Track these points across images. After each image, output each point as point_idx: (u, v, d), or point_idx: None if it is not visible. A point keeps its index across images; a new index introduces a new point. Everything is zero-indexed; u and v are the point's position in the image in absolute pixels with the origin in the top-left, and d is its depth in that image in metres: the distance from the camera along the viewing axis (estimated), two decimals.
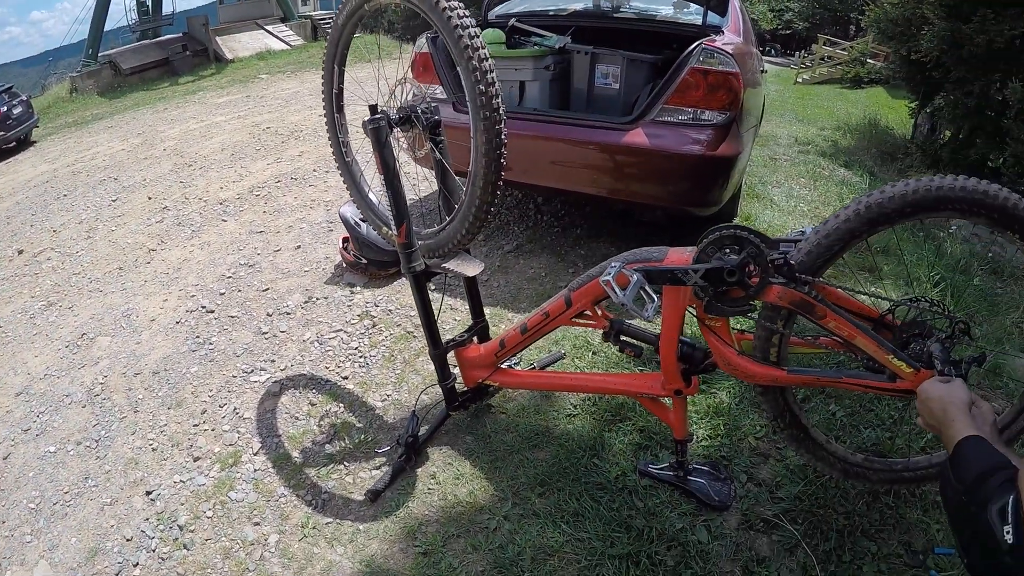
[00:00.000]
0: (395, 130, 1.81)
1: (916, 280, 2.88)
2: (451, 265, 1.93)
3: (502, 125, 1.57)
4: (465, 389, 2.13)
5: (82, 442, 2.32)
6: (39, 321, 3.16)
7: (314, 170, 5.00)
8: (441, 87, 3.12)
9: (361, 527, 1.89)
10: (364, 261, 3.12)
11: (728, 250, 1.35)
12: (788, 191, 4.48)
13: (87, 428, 2.39)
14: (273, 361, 2.59)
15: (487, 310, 2.81)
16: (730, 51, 2.74)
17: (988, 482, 0.92)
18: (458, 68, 1.56)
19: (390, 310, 2.92)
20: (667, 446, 2.03)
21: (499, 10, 3.96)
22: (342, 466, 2.09)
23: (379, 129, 1.69)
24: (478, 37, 1.53)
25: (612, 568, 1.69)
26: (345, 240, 3.22)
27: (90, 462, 2.23)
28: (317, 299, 3.02)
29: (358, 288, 3.11)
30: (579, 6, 3.98)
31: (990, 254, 3.35)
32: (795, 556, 1.76)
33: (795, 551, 1.77)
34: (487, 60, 1.53)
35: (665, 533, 1.78)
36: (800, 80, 19.66)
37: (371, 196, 2.23)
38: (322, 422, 2.27)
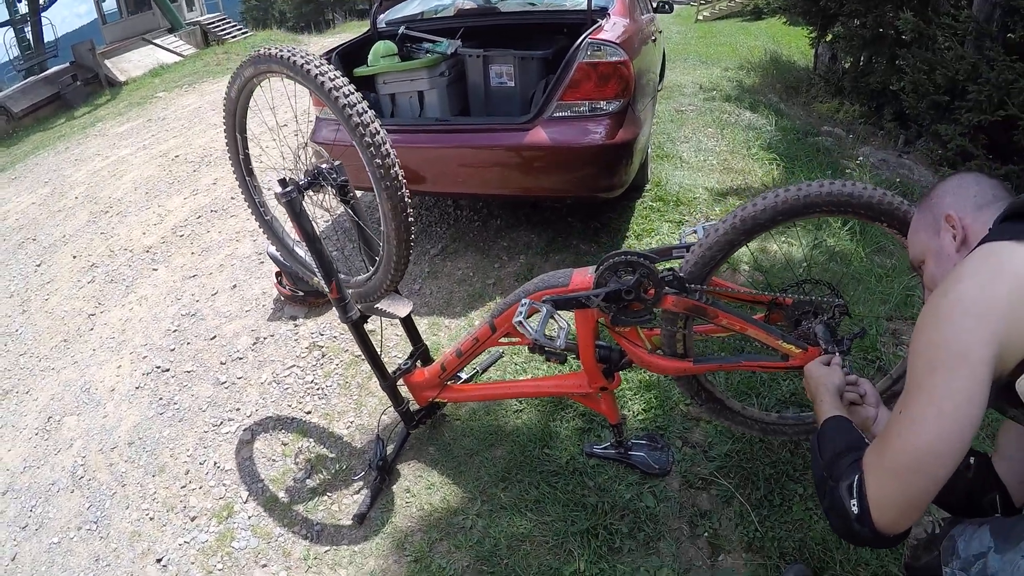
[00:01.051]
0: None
1: (807, 264, 3.14)
2: (383, 307, 2.09)
3: (404, 190, 1.72)
4: (419, 408, 2.31)
5: (82, 526, 2.40)
6: (1, 412, 3.17)
7: (232, 198, 4.96)
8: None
9: (356, 548, 2.07)
10: (301, 293, 3.21)
11: (623, 272, 1.54)
12: (696, 145, 4.68)
13: (82, 512, 2.46)
14: (238, 409, 2.71)
15: (424, 319, 3.02)
16: (616, 40, 2.89)
17: (841, 460, 1.11)
18: (353, 143, 1.68)
19: (335, 336, 3.04)
20: (606, 425, 2.26)
21: (388, 16, 4.00)
22: (326, 497, 2.26)
23: (292, 201, 1.81)
24: (367, 112, 1.65)
25: (576, 543, 1.93)
26: (278, 275, 3.30)
27: (95, 544, 2.32)
28: (265, 338, 3.12)
29: (300, 320, 3.21)
30: (466, 2, 4.04)
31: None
32: (732, 506, 2.03)
33: (731, 502, 2.04)
34: (379, 133, 1.66)
35: (617, 504, 2.02)
36: (701, 17, 19.88)
37: (297, 250, 2.35)
38: (298, 459, 2.42)
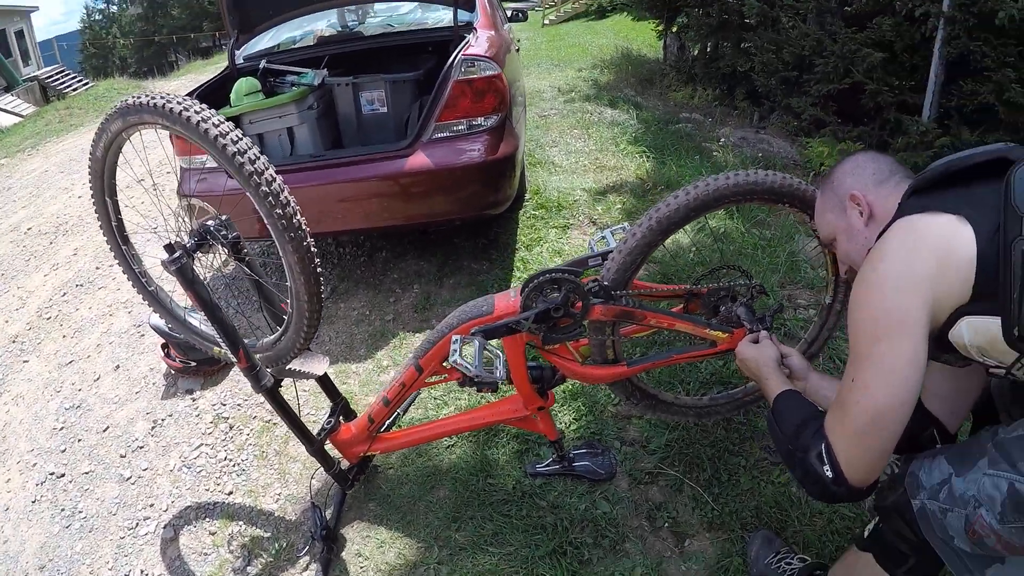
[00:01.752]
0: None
1: (696, 248, 3.29)
2: (297, 367, 1.97)
3: (309, 239, 1.61)
4: (351, 465, 2.19)
5: None
6: None
7: (97, 268, 4.55)
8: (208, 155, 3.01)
9: None
10: (193, 363, 2.98)
11: (548, 291, 1.53)
12: (566, 148, 4.80)
13: None
14: (152, 505, 2.45)
15: (329, 369, 2.83)
16: (488, 54, 2.90)
17: (804, 432, 1.23)
18: (248, 194, 1.55)
19: (239, 404, 2.84)
20: (543, 442, 2.24)
21: (246, 51, 3.80)
22: None
23: (183, 268, 1.64)
24: (260, 159, 1.52)
25: (546, 566, 1.89)
26: (164, 346, 3.04)
27: None
28: (163, 420, 2.86)
29: (198, 392, 2.97)
30: (326, 29, 3.92)
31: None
32: (684, 492, 2.08)
33: (682, 488, 2.09)
34: (275, 180, 1.54)
35: (575, 518, 2.01)
36: (548, 21, 20.36)
37: (191, 319, 2.16)
38: (232, 547, 2.22)
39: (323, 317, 3.18)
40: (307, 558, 2.10)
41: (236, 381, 2.97)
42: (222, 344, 1.77)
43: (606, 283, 1.55)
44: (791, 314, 2.77)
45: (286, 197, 1.56)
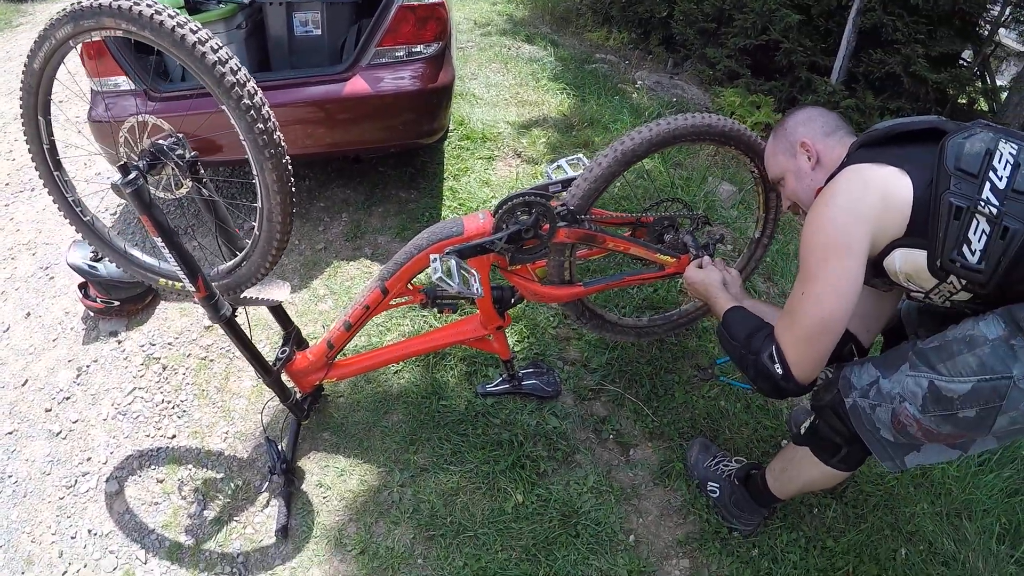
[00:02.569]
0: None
1: (621, 183, 3.40)
2: (256, 294, 1.93)
3: (287, 157, 1.55)
4: (305, 395, 2.18)
5: None
6: None
7: None
8: (125, 77, 2.78)
9: (294, 564, 1.91)
10: (116, 303, 2.80)
11: (520, 213, 1.60)
12: (486, 80, 4.75)
13: None
14: (89, 459, 2.30)
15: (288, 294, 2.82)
16: None
17: (754, 338, 1.44)
18: (224, 108, 1.45)
19: (170, 343, 2.70)
20: (490, 364, 2.36)
21: None
22: (235, 523, 2.04)
23: (139, 190, 1.53)
24: (241, 70, 1.43)
25: (507, 479, 2.03)
26: (83, 286, 2.83)
27: None
28: (88, 367, 2.67)
29: (123, 333, 2.79)
30: None
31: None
32: (625, 406, 2.25)
33: (624, 403, 2.26)
34: (257, 93, 1.45)
35: (528, 433, 2.14)
36: None
37: (132, 250, 2.04)
38: (183, 492, 2.15)
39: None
40: (266, 494, 2.09)
41: (163, 319, 2.83)
42: (179, 274, 1.69)
43: (572, 207, 1.64)
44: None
45: (267, 111, 1.48)
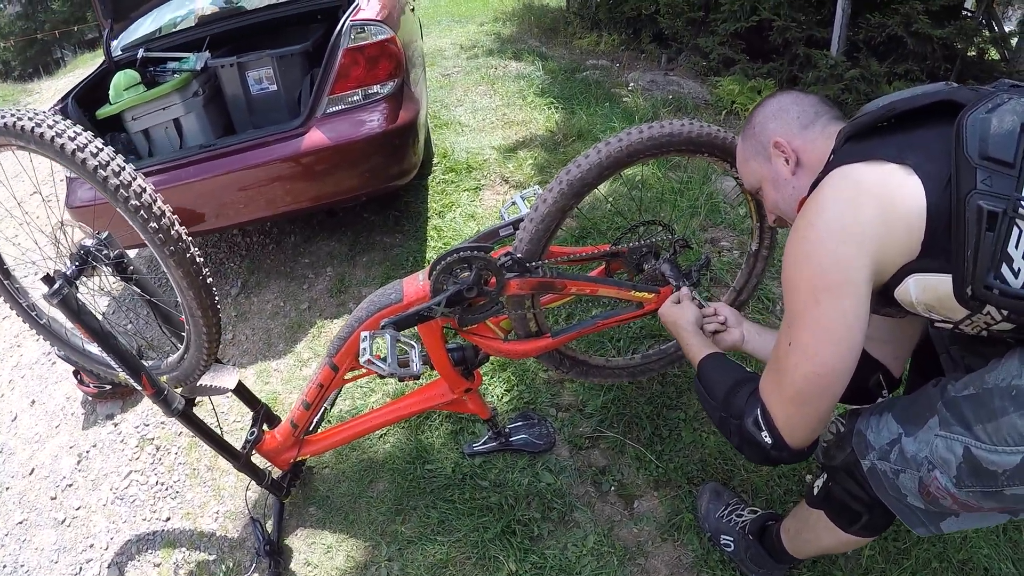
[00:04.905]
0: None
1: (612, 198, 3.22)
2: (207, 383, 1.83)
3: (193, 249, 1.46)
4: (283, 473, 2.08)
5: None
6: None
7: None
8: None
9: None
10: (108, 386, 2.77)
11: (458, 270, 1.44)
12: (472, 106, 4.63)
13: None
14: (92, 545, 2.28)
15: (249, 370, 2.72)
16: (379, 17, 2.73)
17: (735, 398, 1.17)
18: (119, 211, 1.39)
19: (162, 423, 2.66)
20: (478, 419, 2.18)
21: (124, 41, 3.46)
22: None
23: (67, 298, 1.49)
24: (125, 169, 1.36)
25: (498, 548, 1.85)
26: (76, 373, 2.82)
27: None
28: (88, 452, 2.65)
29: (119, 416, 2.77)
30: (208, 7, 3.61)
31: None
32: (626, 453, 2.06)
33: (624, 449, 2.07)
34: (146, 190, 1.38)
35: (520, 494, 1.97)
36: None
37: (91, 348, 1.99)
38: (178, 575, 2.10)
39: (239, 317, 3.05)
40: (256, 575, 2.00)
41: None
42: (124, 373, 1.62)
43: (519, 255, 1.47)
44: (716, 258, 2.76)
45: (160, 207, 1.40)
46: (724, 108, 4.48)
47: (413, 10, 4.00)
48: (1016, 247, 0.88)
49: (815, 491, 1.38)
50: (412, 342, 1.44)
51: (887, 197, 0.96)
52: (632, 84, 4.78)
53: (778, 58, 4.48)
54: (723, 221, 3.05)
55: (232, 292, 3.23)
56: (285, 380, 2.63)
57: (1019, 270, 0.89)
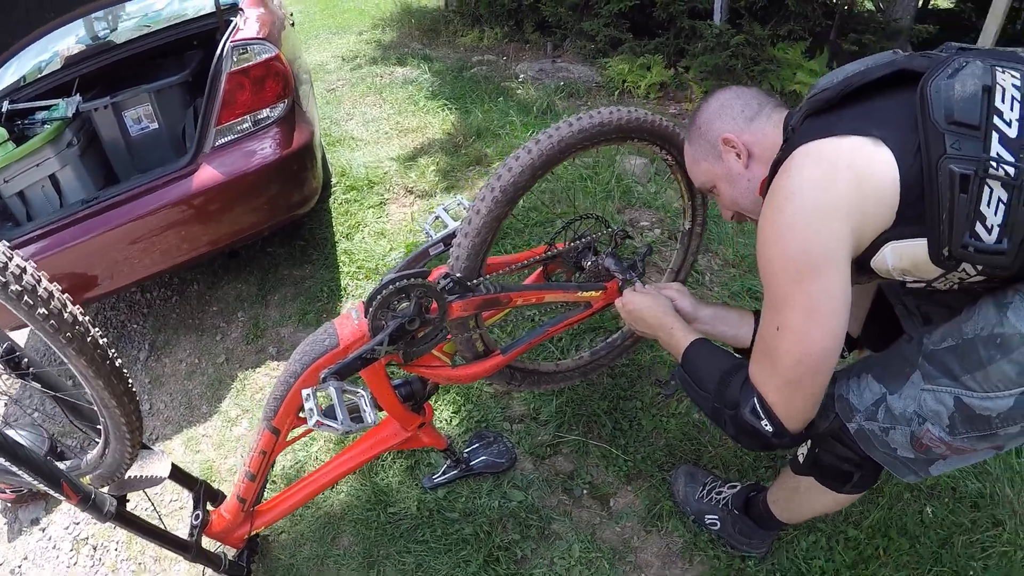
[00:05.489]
0: None
1: (551, 194, 3.13)
2: (137, 474, 1.61)
3: (94, 331, 1.23)
4: (239, 551, 1.88)
5: None
6: None
7: None
8: None
9: None
10: (26, 489, 2.44)
11: (396, 302, 1.31)
12: (363, 118, 4.45)
13: None
14: None
15: (174, 441, 2.48)
16: (261, 34, 2.54)
17: (728, 388, 1.14)
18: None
19: (93, 519, 2.39)
20: (430, 451, 2.06)
21: None
22: None
23: None
24: (32, 271, 1.13)
25: None
26: None
27: None
28: (20, 567, 2.32)
29: (44, 519, 2.45)
30: (74, 46, 3.25)
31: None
32: (591, 453, 1.99)
33: (588, 449, 2.00)
34: (27, 271, 1.12)
35: (492, 519, 1.86)
36: None
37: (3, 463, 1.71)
38: None
39: (154, 383, 2.78)
40: None
41: None
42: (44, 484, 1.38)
43: (458, 274, 1.36)
44: (639, 238, 2.74)
45: (46, 289, 1.15)
46: (616, 88, 4.51)
47: (293, 24, 3.77)
48: (988, 205, 0.90)
49: (800, 459, 1.37)
50: (358, 389, 1.30)
51: (861, 170, 0.96)
52: (522, 76, 4.73)
53: (664, 33, 4.55)
54: (637, 200, 3.04)
55: (141, 357, 2.93)
56: (217, 445, 2.41)
57: (992, 227, 0.91)
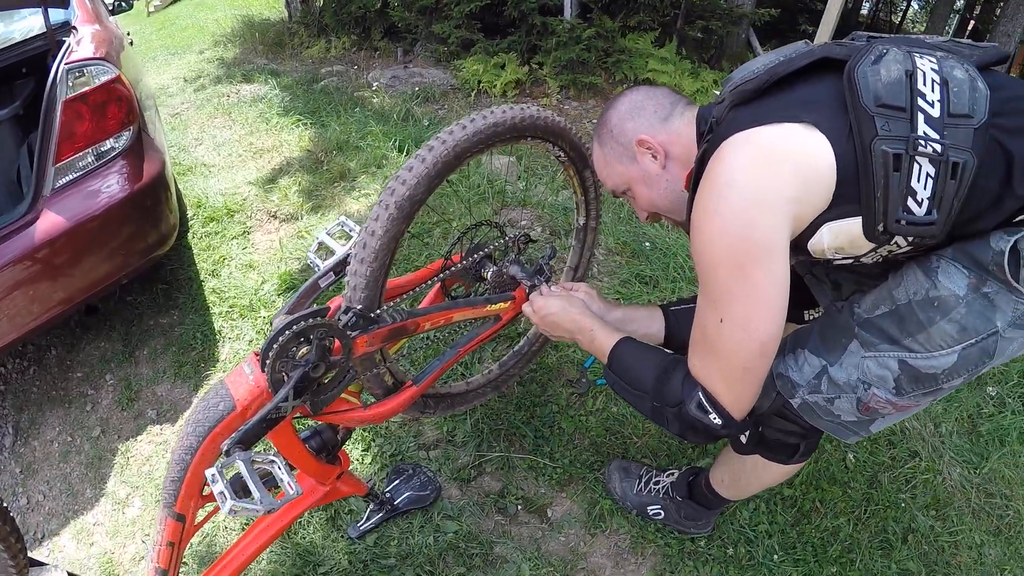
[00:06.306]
0: None
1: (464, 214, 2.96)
2: None
3: None
4: None
5: None
6: None
7: None
8: None
9: None
10: None
11: (295, 349, 1.15)
12: (213, 142, 4.09)
13: None
14: None
15: (64, 536, 2.15)
16: (98, 54, 2.25)
17: (668, 386, 1.12)
18: None
19: None
20: (348, 498, 1.90)
21: None
22: None
23: None
24: None
25: None
26: None
27: None
28: None
29: None
30: None
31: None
32: (517, 467, 1.92)
33: (513, 463, 1.93)
34: None
35: (432, 555, 1.75)
36: (152, 8, 17.14)
37: None
38: None
39: (26, 471, 2.40)
40: None
41: None
42: None
43: (359, 307, 1.22)
44: (538, 234, 2.69)
45: None
46: (472, 89, 4.46)
47: (131, 43, 3.37)
48: (918, 181, 0.93)
49: (743, 439, 1.37)
50: (270, 456, 1.13)
51: (797, 156, 0.96)
52: (375, 84, 4.57)
53: (515, 31, 4.55)
54: (512, 200, 3.00)
55: (6, 443, 2.51)
56: (111, 532, 2.09)
57: (922, 200, 0.94)
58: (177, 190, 3.02)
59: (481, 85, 4.45)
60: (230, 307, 2.63)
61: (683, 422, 1.10)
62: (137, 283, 2.90)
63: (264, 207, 3.23)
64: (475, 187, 3.05)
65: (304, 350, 1.16)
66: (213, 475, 1.03)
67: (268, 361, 1.12)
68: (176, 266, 2.95)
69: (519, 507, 1.84)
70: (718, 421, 1.06)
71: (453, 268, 1.50)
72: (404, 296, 1.46)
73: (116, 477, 2.26)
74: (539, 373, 2.14)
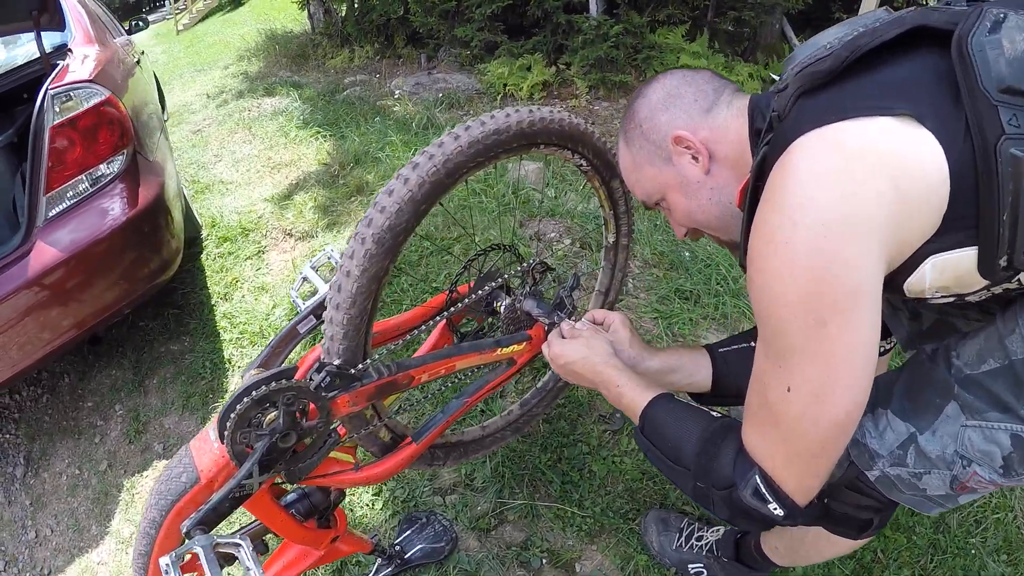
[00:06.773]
0: None
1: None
2: None
3: None
4: None
5: None
6: None
7: None
8: None
9: None
10: None
11: (259, 416, 0.98)
12: (232, 158, 4.03)
13: None
14: None
15: (66, 573, 2.04)
16: (89, 76, 2.16)
17: (717, 463, 0.87)
18: None
19: None
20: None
21: None
22: None
23: None
24: None
25: None
26: None
27: None
28: None
29: None
30: None
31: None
32: (542, 516, 1.74)
33: (538, 511, 1.75)
34: None
35: None
36: (181, 27, 17.67)
37: None
38: None
39: (35, 503, 2.29)
40: None
41: None
42: None
43: (337, 362, 1.03)
44: (551, 253, 2.49)
45: None
46: (497, 93, 4.30)
47: (140, 64, 3.30)
48: None
49: None
50: (236, 539, 0.96)
51: (897, 163, 0.69)
52: (398, 92, 4.45)
53: (540, 31, 4.38)
54: (539, 212, 2.80)
55: (17, 474, 2.43)
56: (115, 574, 1.99)
57: None
58: (188, 210, 2.92)
59: (507, 88, 4.29)
60: (240, 333, 2.51)
61: (734, 508, 0.86)
62: (149, 306, 2.80)
63: (279, 224, 3.11)
64: (500, 197, 2.87)
65: (271, 416, 0.98)
66: (167, 566, 0.86)
67: (226, 433, 0.94)
68: (188, 289, 2.85)
69: (544, 561, 1.64)
70: (779, 512, 0.81)
71: (458, 303, 1.31)
72: (401, 340, 1.27)
73: (121, 515, 2.16)
74: (567, 408, 1.94)
